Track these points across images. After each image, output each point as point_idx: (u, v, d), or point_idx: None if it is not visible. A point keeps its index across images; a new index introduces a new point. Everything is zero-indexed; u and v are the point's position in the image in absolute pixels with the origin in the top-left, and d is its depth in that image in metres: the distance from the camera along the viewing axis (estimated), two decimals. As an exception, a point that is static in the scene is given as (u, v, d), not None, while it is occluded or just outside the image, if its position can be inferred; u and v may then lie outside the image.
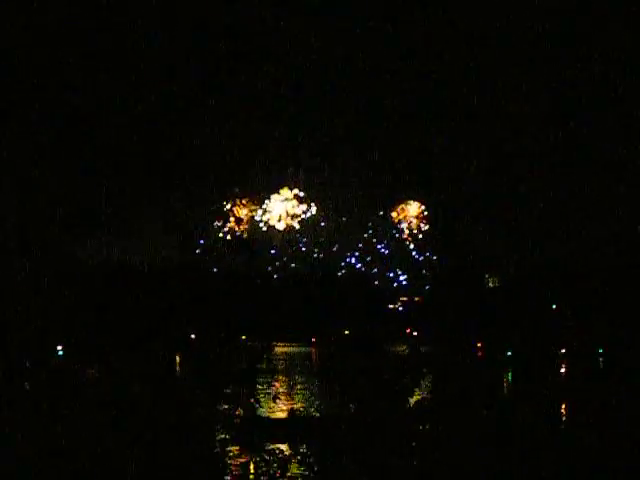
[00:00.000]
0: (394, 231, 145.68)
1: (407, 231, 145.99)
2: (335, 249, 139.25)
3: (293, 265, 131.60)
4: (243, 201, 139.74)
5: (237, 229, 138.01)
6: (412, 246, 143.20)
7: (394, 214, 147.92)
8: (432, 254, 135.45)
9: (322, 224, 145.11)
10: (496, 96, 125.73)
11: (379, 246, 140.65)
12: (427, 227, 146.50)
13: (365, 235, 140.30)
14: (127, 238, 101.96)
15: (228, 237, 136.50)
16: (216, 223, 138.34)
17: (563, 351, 74.55)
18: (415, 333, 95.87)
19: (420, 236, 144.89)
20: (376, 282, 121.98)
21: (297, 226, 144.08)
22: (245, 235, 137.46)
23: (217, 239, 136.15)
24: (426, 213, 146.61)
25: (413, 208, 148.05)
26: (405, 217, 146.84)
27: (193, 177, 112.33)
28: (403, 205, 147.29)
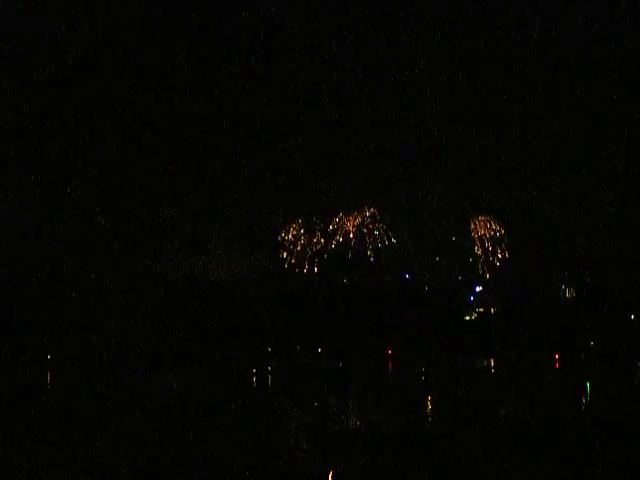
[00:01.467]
0: (468, 247, 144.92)
1: (480, 249, 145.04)
2: (409, 263, 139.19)
3: (370, 279, 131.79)
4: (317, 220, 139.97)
5: (319, 245, 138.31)
6: (486, 260, 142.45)
7: (468, 229, 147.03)
8: (507, 269, 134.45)
9: (392, 240, 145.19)
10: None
11: (453, 260, 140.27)
12: (501, 245, 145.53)
13: (437, 256, 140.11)
14: (210, 252, 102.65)
15: (309, 252, 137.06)
16: (299, 237, 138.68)
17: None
18: (484, 341, 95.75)
19: (495, 251, 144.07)
20: (452, 294, 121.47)
21: (369, 242, 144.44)
22: (327, 250, 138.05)
23: (300, 254, 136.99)
24: (501, 231, 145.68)
25: (486, 225, 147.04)
26: (479, 234, 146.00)
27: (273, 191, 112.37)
28: (476, 221, 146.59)
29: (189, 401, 41.10)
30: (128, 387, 52.20)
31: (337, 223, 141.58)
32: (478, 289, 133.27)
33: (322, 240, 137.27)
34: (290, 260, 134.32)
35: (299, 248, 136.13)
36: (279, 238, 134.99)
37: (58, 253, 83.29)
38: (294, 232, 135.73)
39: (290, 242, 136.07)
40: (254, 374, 67.19)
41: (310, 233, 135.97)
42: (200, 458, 24.47)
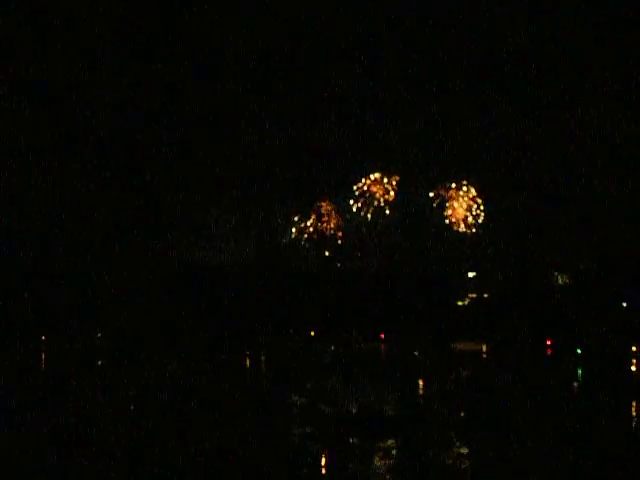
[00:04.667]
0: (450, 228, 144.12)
1: (465, 228, 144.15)
2: (399, 245, 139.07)
3: (359, 262, 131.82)
4: (326, 201, 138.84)
5: (320, 225, 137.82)
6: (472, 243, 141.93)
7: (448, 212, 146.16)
8: (496, 253, 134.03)
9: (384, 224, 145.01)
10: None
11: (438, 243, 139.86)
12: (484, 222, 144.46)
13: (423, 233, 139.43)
14: (206, 235, 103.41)
15: (306, 234, 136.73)
16: (297, 219, 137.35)
17: (634, 349, 74.11)
18: (477, 327, 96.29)
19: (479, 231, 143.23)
20: (444, 279, 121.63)
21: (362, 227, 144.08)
22: (329, 231, 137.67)
23: (298, 236, 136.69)
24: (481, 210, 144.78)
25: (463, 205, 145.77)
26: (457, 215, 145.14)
27: (272, 172, 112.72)
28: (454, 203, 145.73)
29: (184, 384, 41.44)
30: (125, 368, 52.56)
31: (330, 208, 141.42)
32: (471, 275, 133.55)
33: (317, 224, 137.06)
34: (285, 244, 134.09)
35: (294, 232, 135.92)
36: (275, 222, 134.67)
37: (63, 239, 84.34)
38: (290, 215, 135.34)
39: (286, 226, 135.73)
40: (248, 356, 67.52)
41: (305, 217, 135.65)
42: (195, 440, 24.80)
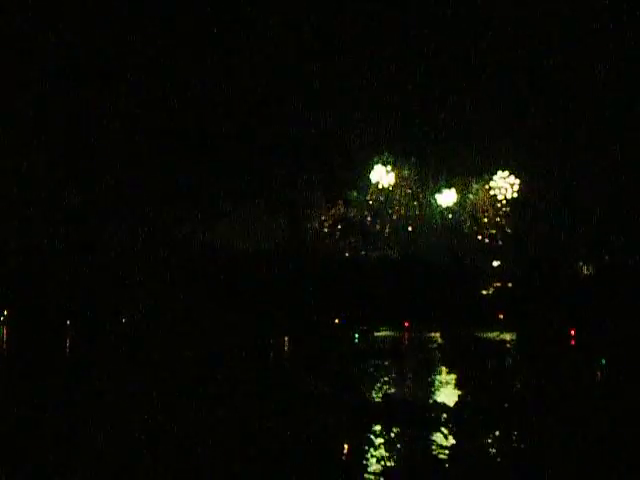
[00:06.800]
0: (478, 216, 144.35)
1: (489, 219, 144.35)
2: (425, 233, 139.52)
3: (386, 249, 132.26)
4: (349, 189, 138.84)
5: (346, 214, 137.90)
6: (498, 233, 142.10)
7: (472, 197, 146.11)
8: (520, 243, 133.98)
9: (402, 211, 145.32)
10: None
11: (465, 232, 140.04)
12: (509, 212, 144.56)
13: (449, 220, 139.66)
14: (234, 221, 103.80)
15: (327, 222, 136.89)
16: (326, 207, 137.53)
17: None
18: (502, 316, 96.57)
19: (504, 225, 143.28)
20: (468, 269, 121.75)
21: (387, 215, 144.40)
22: (356, 220, 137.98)
23: (324, 223, 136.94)
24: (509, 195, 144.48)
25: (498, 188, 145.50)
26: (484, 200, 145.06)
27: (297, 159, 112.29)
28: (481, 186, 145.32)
29: (208, 369, 41.71)
30: (149, 353, 52.94)
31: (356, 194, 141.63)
32: (495, 264, 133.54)
33: (343, 213, 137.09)
34: (310, 230, 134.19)
35: (321, 217, 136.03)
36: (302, 210, 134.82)
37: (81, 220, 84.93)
38: (317, 204, 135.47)
39: (312, 214, 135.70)
40: (272, 343, 67.77)
41: (331, 203, 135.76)
42: (218, 425, 24.99)
